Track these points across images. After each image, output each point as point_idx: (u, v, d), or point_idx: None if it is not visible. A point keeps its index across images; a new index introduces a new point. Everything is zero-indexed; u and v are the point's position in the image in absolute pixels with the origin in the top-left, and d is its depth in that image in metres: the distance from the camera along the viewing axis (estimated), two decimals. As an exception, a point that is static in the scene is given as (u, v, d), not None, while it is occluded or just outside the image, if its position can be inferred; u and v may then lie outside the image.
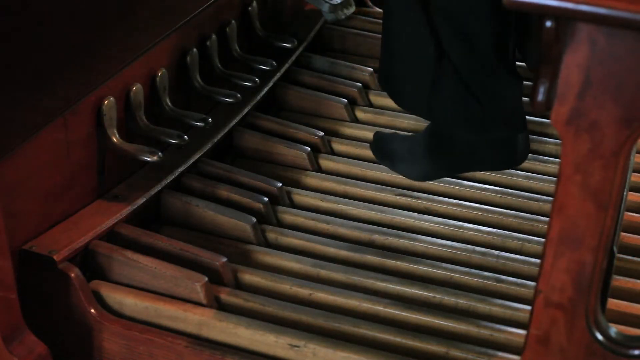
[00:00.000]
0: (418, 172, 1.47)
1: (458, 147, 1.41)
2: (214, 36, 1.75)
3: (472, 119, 1.38)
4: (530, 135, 1.68)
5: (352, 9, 2.02)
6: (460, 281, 1.47)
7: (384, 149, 1.52)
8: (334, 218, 1.61)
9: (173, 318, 1.34)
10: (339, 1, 1.95)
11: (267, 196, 1.61)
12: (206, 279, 1.36)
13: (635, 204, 1.68)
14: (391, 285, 1.44)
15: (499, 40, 1.33)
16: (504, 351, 1.31)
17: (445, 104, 1.37)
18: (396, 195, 1.67)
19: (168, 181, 1.57)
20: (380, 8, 2.26)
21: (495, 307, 1.40)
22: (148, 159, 1.47)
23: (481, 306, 1.40)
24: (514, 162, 1.46)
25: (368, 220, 1.61)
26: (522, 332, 1.33)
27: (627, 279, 1.49)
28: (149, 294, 1.37)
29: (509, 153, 1.43)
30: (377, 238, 1.56)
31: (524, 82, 1.48)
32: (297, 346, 1.30)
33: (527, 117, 1.45)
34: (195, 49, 1.68)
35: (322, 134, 1.81)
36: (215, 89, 1.69)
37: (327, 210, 1.64)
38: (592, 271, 1.00)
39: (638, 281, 1.49)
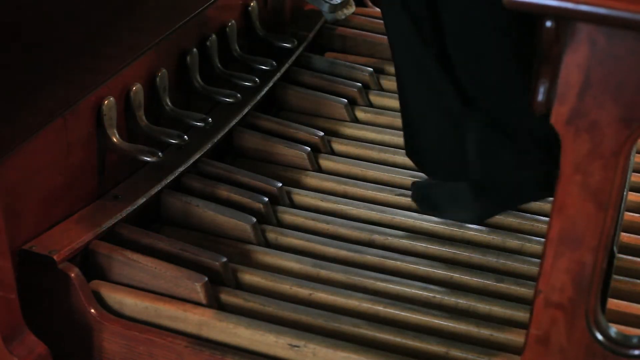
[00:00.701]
0: (470, 216, 1.52)
1: (502, 187, 1.45)
2: (214, 36, 1.74)
3: (508, 159, 1.40)
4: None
5: (352, 9, 2.02)
6: (460, 281, 1.47)
7: (427, 198, 1.55)
8: (334, 218, 1.60)
9: (173, 318, 1.34)
10: (339, 1, 1.95)
11: (267, 196, 1.61)
12: (206, 279, 1.36)
13: (635, 204, 1.68)
14: (391, 285, 1.44)
15: (523, 74, 1.34)
16: (504, 351, 1.31)
17: (480, 154, 1.40)
18: (396, 195, 1.67)
19: (168, 181, 1.56)
20: (379, 8, 2.25)
21: (495, 307, 1.40)
22: (148, 159, 1.47)
23: (481, 306, 1.40)
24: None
25: (368, 220, 1.61)
26: (522, 332, 1.33)
27: (627, 279, 1.49)
28: (149, 294, 1.37)
29: (550, 179, 1.44)
30: (377, 238, 1.56)
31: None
32: (297, 346, 1.30)
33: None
34: (195, 49, 1.68)
35: (322, 134, 1.81)
36: (215, 89, 1.69)
37: (327, 210, 1.64)
38: (592, 271, 1.00)
39: (638, 281, 1.48)
